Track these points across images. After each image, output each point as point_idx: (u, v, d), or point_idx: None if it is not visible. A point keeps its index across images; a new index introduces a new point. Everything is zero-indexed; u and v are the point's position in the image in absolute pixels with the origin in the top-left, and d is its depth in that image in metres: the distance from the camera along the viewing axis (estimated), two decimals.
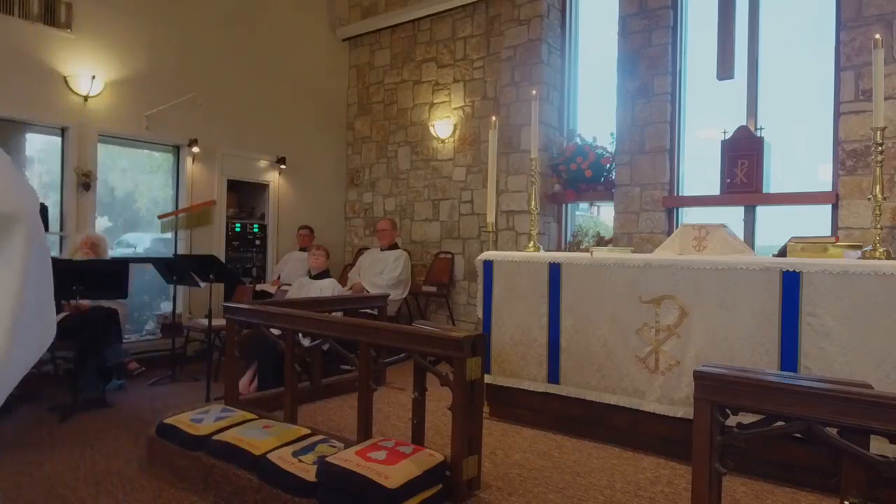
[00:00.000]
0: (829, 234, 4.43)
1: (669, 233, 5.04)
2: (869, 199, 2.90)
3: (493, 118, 4.18)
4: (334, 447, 2.87)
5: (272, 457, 2.76)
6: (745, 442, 1.82)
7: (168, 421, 3.28)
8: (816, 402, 1.67)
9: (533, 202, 4.10)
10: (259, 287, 6.23)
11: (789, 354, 2.81)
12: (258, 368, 4.72)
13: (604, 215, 6.58)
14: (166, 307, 6.17)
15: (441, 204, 6.95)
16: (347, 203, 7.97)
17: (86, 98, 5.47)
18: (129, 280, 4.57)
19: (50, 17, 5.23)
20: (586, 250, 4.30)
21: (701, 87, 5.32)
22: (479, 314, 3.97)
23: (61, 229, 5.45)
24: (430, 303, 6.83)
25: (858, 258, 2.83)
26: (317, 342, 3.41)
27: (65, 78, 5.37)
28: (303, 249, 6.51)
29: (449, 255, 6.78)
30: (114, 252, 5.79)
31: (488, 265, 3.93)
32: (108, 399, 4.45)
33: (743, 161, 4.73)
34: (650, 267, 3.24)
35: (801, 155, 4.99)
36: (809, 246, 3.05)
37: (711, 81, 4.79)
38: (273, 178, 7.11)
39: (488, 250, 4.07)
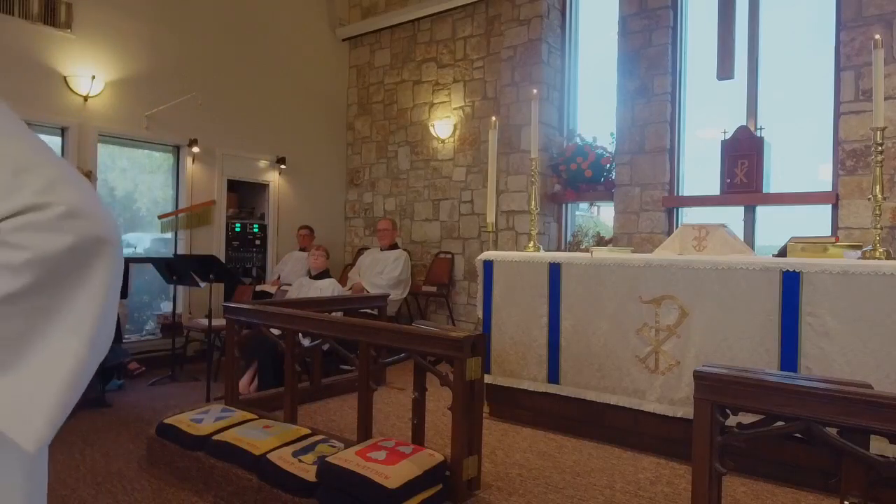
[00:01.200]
0: (829, 234, 4.43)
1: (669, 233, 5.04)
2: (869, 199, 2.90)
3: (493, 118, 4.19)
4: (334, 447, 2.87)
5: (272, 457, 2.76)
6: (745, 442, 1.83)
7: (168, 421, 3.28)
8: (816, 402, 1.67)
9: (533, 202, 4.10)
10: (259, 287, 6.23)
11: (789, 354, 2.81)
12: (258, 368, 4.73)
13: (604, 215, 6.58)
14: (166, 307, 6.16)
15: (441, 204, 6.95)
16: (347, 203, 7.97)
17: (86, 98, 5.47)
18: (129, 280, 4.58)
19: (50, 17, 5.23)
20: (586, 250, 4.30)
21: (701, 87, 5.32)
22: (479, 314, 3.97)
23: None
24: (430, 303, 6.82)
25: (858, 258, 2.83)
26: (317, 342, 3.41)
27: (65, 78, 5.36)
28: (303, 249, 6.51)
29: (449, 255, 6.78)
30: None
31: (488, 265, 3.93)
32: (108, 399, 4.45)
33: (743, 161, 4.73)
34: (650, 267, 3.24)
35: (801, 155, 4.98)
36: (809, 246, 3.05)
37: (711, 81, 4.79)
38: (273, 178, 7.11)
39: (488, 250, 4.07)
